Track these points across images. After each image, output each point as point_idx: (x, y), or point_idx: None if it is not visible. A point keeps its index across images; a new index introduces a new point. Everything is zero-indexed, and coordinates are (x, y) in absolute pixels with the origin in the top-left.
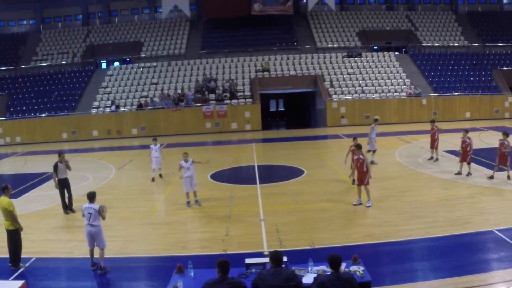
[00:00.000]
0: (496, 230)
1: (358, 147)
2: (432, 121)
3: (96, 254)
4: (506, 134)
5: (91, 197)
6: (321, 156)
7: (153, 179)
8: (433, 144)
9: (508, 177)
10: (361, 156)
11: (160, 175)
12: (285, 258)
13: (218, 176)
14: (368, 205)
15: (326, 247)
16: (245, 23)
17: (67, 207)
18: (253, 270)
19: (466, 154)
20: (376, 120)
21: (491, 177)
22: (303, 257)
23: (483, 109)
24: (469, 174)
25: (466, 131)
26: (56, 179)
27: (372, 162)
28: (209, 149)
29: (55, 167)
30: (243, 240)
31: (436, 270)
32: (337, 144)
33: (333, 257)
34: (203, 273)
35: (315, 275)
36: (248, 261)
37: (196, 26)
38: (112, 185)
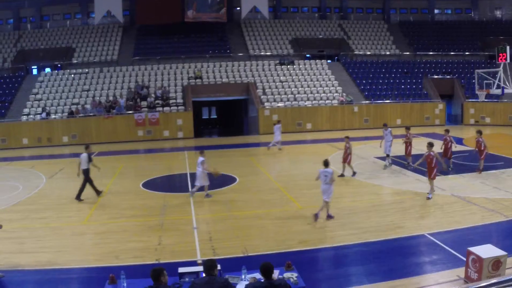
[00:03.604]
0: (428, 234)
1: (431, 145)
2: (407, 128)
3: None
4: (447, 131)
5: (326, 163)
6: (253, 164)
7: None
8: (408, 151)
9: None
10: (431, 153)
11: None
12: (218, 267)
13: (150, 185)
14: (429, 196)
15: (259, 255)
16: (178, 30)
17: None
18: (187, 279)
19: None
20: (385, 125)
21: (480, 171)
22: (236, 265)
23: (414, 116)
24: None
25: (447, 130)
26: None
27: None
28: (141, 157)
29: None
30: (176, 249)
31: (370, 275)
32: (269, 152)
33: (264, 265)
34: (136, 284)
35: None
36: (181, 270)
37: (129, 32)
38: (43, 194)
